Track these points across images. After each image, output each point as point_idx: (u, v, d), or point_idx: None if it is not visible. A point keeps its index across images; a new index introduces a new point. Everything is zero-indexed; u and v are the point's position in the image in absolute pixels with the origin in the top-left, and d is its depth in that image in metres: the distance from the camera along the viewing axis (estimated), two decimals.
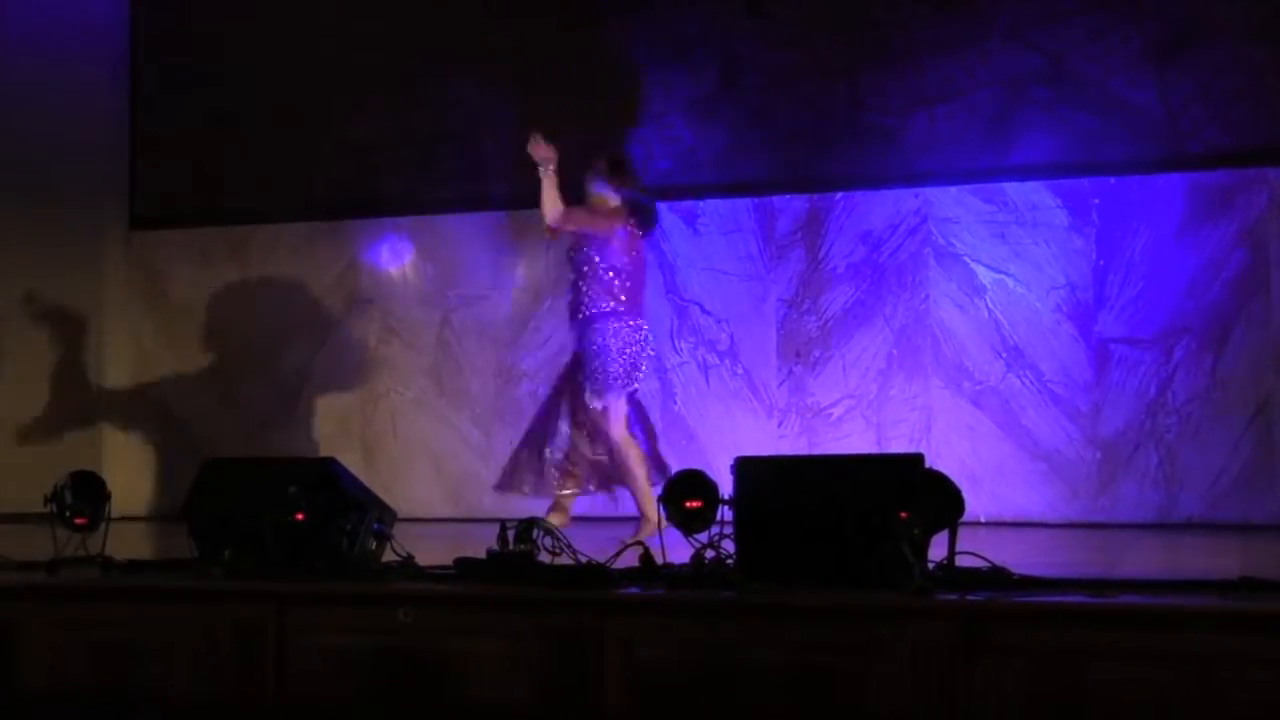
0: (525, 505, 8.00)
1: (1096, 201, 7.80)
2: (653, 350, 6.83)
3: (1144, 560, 5.97)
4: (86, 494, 4.99)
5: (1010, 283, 7.88)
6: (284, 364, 9.02)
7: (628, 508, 7.87)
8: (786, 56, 8.26)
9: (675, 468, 4.90)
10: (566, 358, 8.53)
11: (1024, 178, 7.92)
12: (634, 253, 6.64)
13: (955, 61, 8.02)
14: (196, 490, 5.00)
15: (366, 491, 4.95)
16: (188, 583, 4.68)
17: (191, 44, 9.29)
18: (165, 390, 9.23)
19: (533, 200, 8.70)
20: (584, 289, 6.58)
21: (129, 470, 8.92)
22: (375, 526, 4.82)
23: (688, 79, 8.44)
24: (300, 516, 4.63)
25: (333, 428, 8.84)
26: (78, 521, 4.96)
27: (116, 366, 9.26)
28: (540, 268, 8.65)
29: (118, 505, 5.14)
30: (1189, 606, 3.89)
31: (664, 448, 8.22)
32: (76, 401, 9.06)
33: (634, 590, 4.37)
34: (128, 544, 5.28)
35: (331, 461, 4.95)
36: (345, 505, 4.76)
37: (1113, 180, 7.79)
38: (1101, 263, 7.76)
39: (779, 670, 4.02)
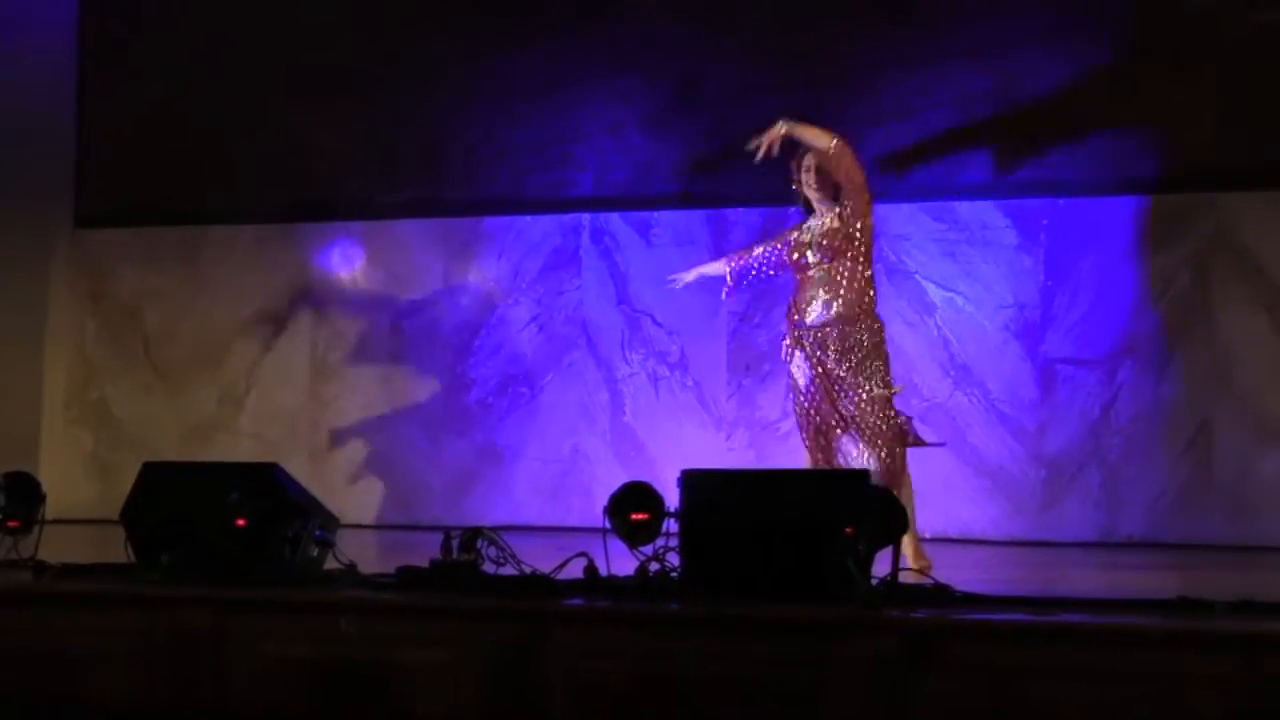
0: (474, 513, 8.02)
1: (1046, 222, 7.86)
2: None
3: (1085, 578, 6.02)
4: (19, 496, 4.91)
5: (960, 301, 7.92)
6: (230, 368, 8.95)
7: (572, 518, 7.88)
8: (743, 70, 8.28)
9: (624, 479, 4.89)
10: (520, 366, 8.55)
11: (975, 197, 7.96)
12: None
13: (910, 80, 8.05)
14: (136, 494, 4.94)
15: (309, 498, 4.91)
16: (123, 588, 4.62)
17: (142, 41, 9.21)
18: (107, 391, 9.13)
19: (488, 207, 8.75)
20: None
21: (67, 472, 8.82)
22: (318, 534, 4.78)
23: (644, 90, 8.44)
24: (241, 522, 4.59)
25: (279, 433, 8.77)
26: (10, 524, 4.88)
27: (57, 366, 9.15)
28: (491, 276, 8.63)
29: (55, 508, 5.07)
30: (1127, 625, 3.92)
31: (612, 459, 8.26)
32: (15, 401, 8.95)
33: (578, 602, 4.35)
34: (63, 548, 5.19)
35: (274, 467, 4.91)
36: (288, 512, 4.72)
37: (1062, 201, 7.85)
38: (1049, 283, 7.82)
39: (723, 683, 4.02)
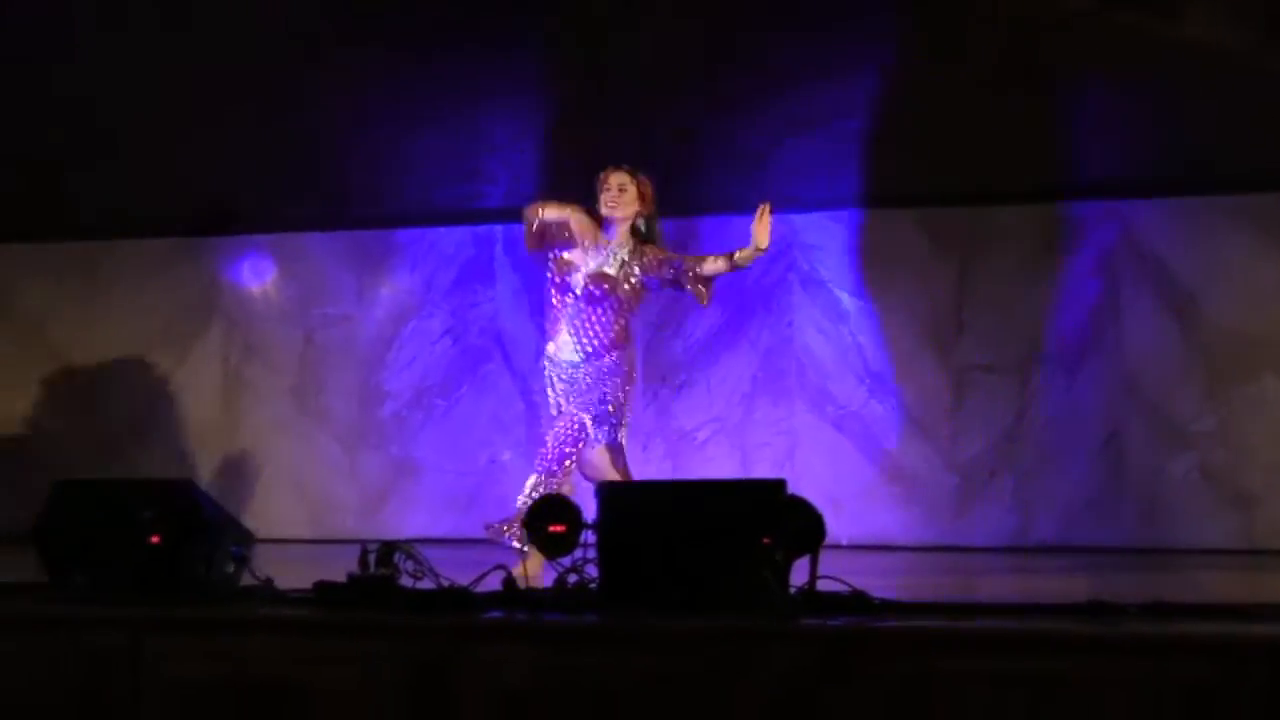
0: (389, 526, 7.97)
1: (958, 230, 7.93)
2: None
3: (999, 584, 6.08)
4: None
5: (873, 309, 7.98)
6: (141, 383, 8.81)
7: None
8: (650, 71, 8.09)
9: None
10: (434, 378, 8.50)
11: (888, 206, 8.01)
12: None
13: (823, 87, 8.02)
14: (47, 511, 4.86)
15: (225, 514, 4.85)
16: (37, 609, 4.53)
17: (40, 49, 8.91)
18: (13, 408, 8.93)
19: (392, 220, 8.67)
20: None
21: None
22: (233, 550, 4.73)
23: (550, 102, 8.36)
24: (156, 539, 4.53)
25: (191, 448, 8.66)
26: None
27: None
28: (405, 289, 8.58)
29: None
30: (1041, 630, 3.97)
31: (529, 471, 8.20)
32: None
33: (497, 614, 4.34)
34: None
35: (189, 483, 4.85)
36: (203, 528, 4.67)
37: (972, 210, 7.93)
38: (962, 290, 7.90)
39: (642, 695, 4.01)
